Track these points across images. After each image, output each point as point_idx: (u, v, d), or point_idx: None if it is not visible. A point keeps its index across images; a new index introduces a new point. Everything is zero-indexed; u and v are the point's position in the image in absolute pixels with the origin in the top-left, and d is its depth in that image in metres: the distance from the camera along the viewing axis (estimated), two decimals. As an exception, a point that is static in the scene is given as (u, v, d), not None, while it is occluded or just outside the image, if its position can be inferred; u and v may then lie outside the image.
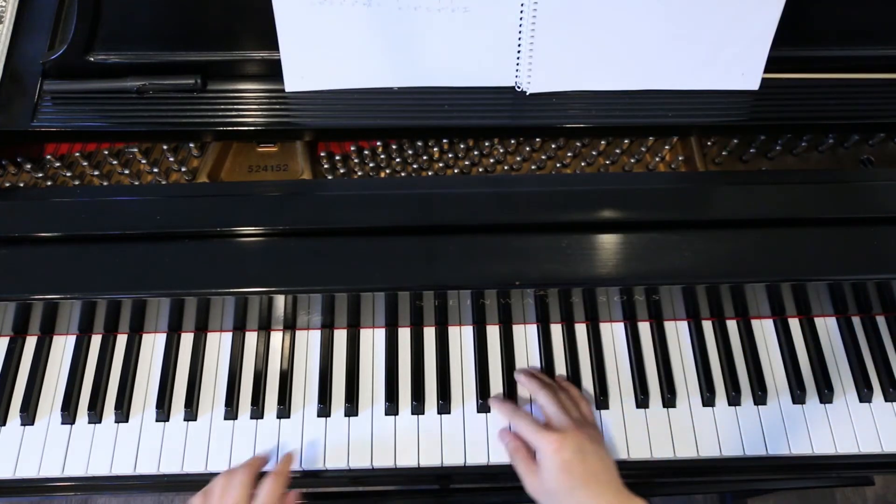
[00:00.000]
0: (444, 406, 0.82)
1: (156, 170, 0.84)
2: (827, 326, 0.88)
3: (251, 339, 0.86)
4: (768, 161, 0.87)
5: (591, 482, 0.69)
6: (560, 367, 0.85)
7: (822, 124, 0.84)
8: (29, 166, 0.82)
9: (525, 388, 0.82)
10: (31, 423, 0.81)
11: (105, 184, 0.84)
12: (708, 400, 0.83)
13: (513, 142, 0.86)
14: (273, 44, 0.78)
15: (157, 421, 0.81)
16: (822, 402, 0.83)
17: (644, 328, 0.87)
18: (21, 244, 0.73)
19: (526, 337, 0.86)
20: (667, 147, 0.86)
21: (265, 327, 0.86)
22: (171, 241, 0.73)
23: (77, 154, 0.85)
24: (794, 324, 0.87)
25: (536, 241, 0.73)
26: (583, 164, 0.86)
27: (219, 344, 0.86)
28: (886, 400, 0.83)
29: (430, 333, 0.86)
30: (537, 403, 0.79)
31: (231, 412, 0.82)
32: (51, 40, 0.83)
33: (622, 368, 0.85)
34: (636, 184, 0.77)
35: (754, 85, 0.82)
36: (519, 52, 0.79)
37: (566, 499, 0.69)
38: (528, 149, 0.86)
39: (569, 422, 0.74)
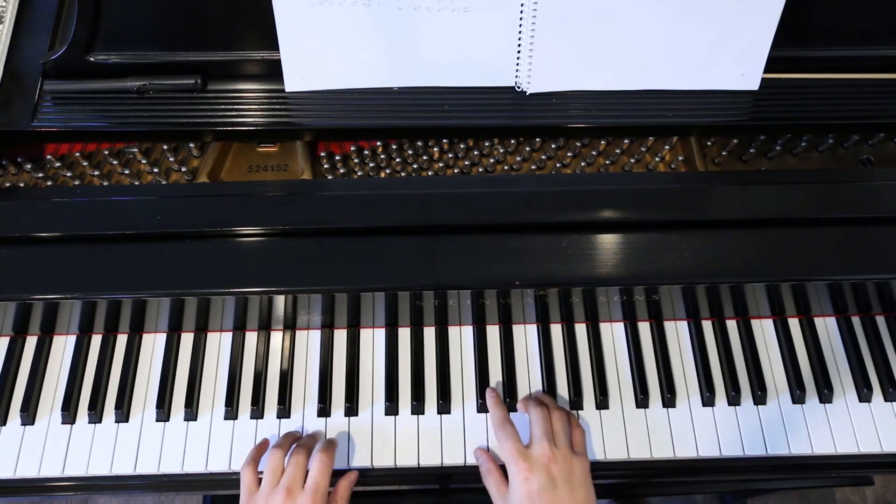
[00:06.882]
0: (444, 406, 0.82)
1: (156, 170, 0.84)
2: (827, 326, 0.88)
3: (251, 339, 0.86)
4: (768, 161, 0.87)
5: None
6: (560, 367, 0.85)
7: (821, 124, 0.84)
8: (29, 166, 0.82)
9: (522, 405, 0.81)
10: (32, 423, 0.81)
11: (105, 184, 0.84)
12: (708, 400, 0.83)
13: (513, 142, 0.86)
14: (273, 44, 0.78)
15: (157, 421, 0.81)
16: (821, 401, 0.83)
17: (644, 328, 0.87)
18: (21, 244, 0.73)
19: (526, 337, 0.86)
20: (667, 147, 0.86)
21: (265, 327, 0.86)
22: (171, 241, 0.73)
23: (77, 154, 0.85)
24: (794, 324, 0.87)
25: (536, 241, 0.73)
26: (583, 164, 0.86)
27: (219, 344, 0.86)
28: (886, 400, 0.83)
29: (430, 333, 0.86)
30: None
31: (231, 412, 0.82)
32: (51, 40, 0.83)
33: (622, 368, 0.85)
34: (636, 184, 0.77)
35: (754, 85, 0.82)
36: (519, 52, 0.79)
37: None
38: (528, 149, 0.86)
39: (549, 449, 0.72)
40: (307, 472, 0.73)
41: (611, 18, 0.76)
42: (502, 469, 0.75)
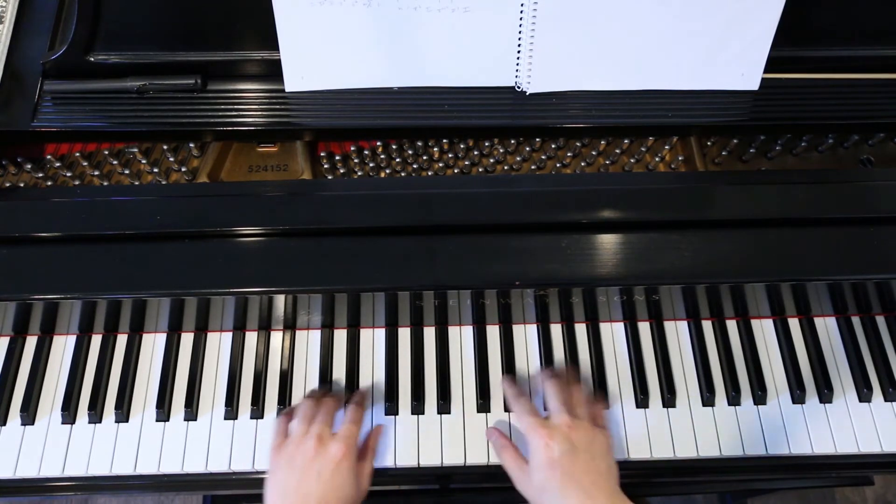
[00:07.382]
0: (443, 406, 0.82)
1: (156, 170, 0.84)
2: (827, 326, 0.88)
3: (251, 339, 0.86)
4: (768, 161, 0.87)
5: (583, 482, 0.66)
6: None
7: (821, 124, 0.84)
8: (29, 166, 0.82)
9: (539, 377, 0.81)
10: (32, 422, 0.81)
11: (105, 184, 0.84)
12: (708, 400, 0.83)
13: (513, 142, 0.86)
14: (273, 44, 0.78)
15: (157, 421, 0.81)
16: (821, 401, 0.83)
17: (644, 328, 0.87)
18: (21, 244, 0.73)
19: (526, 337, 0.86)
20: (667, 147, 0.86)
21: (265, 327, 0.86)
22: (171, 241, 0.73)
23: (77, 154, 0.85)
24: (794, 324, 0.87)
25: (536, 241, 0.73)
26: (583, 164, 0.86)
27: (219, 344, 0.86)
28: (886, 400, 0.83)
29: (430, 333, 0.86)
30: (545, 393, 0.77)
31: (231, 412, 0.82)
32: (51, 40, 0.83)
33: (622, 368, 0.85)
34: (636, 184, 0.77)
35: (754, 85, 0.82)
36: (519, 52, 0.79)
37: (555, 498, 0.67)
38: (528, 149, 0.86)
39: (568, 418, 0.71)
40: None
41: (611, 18, 0.76)
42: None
